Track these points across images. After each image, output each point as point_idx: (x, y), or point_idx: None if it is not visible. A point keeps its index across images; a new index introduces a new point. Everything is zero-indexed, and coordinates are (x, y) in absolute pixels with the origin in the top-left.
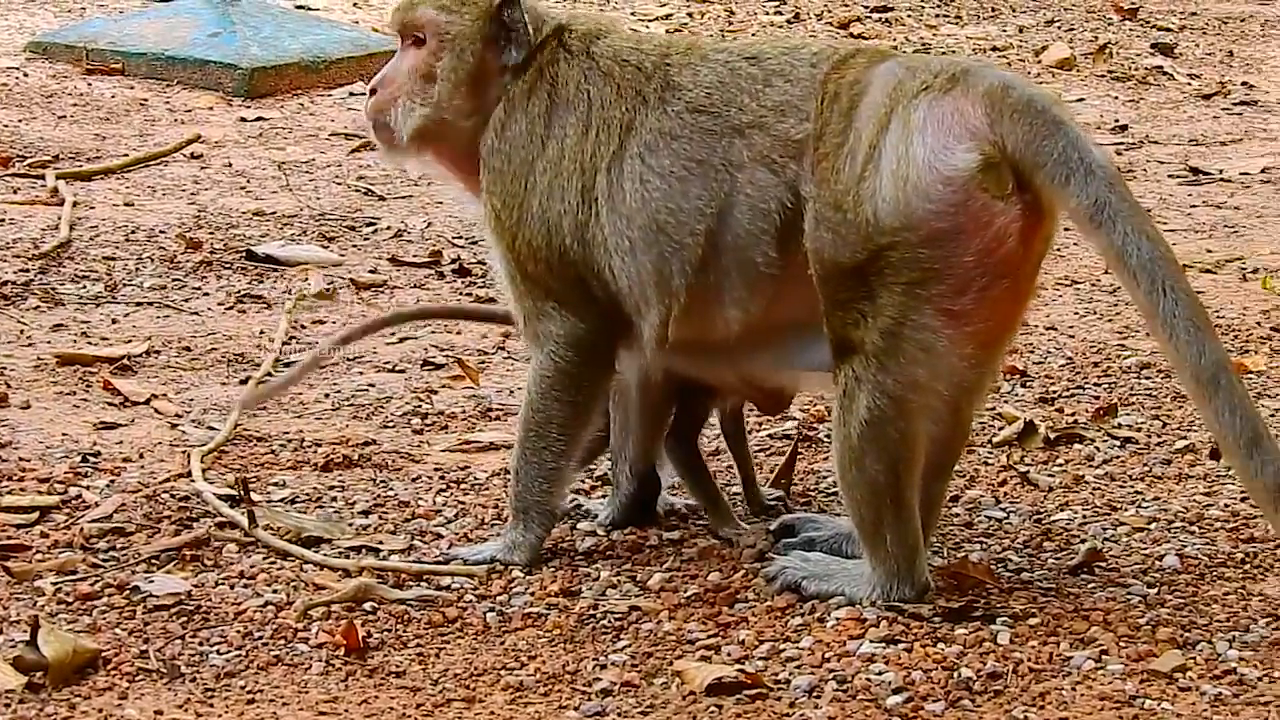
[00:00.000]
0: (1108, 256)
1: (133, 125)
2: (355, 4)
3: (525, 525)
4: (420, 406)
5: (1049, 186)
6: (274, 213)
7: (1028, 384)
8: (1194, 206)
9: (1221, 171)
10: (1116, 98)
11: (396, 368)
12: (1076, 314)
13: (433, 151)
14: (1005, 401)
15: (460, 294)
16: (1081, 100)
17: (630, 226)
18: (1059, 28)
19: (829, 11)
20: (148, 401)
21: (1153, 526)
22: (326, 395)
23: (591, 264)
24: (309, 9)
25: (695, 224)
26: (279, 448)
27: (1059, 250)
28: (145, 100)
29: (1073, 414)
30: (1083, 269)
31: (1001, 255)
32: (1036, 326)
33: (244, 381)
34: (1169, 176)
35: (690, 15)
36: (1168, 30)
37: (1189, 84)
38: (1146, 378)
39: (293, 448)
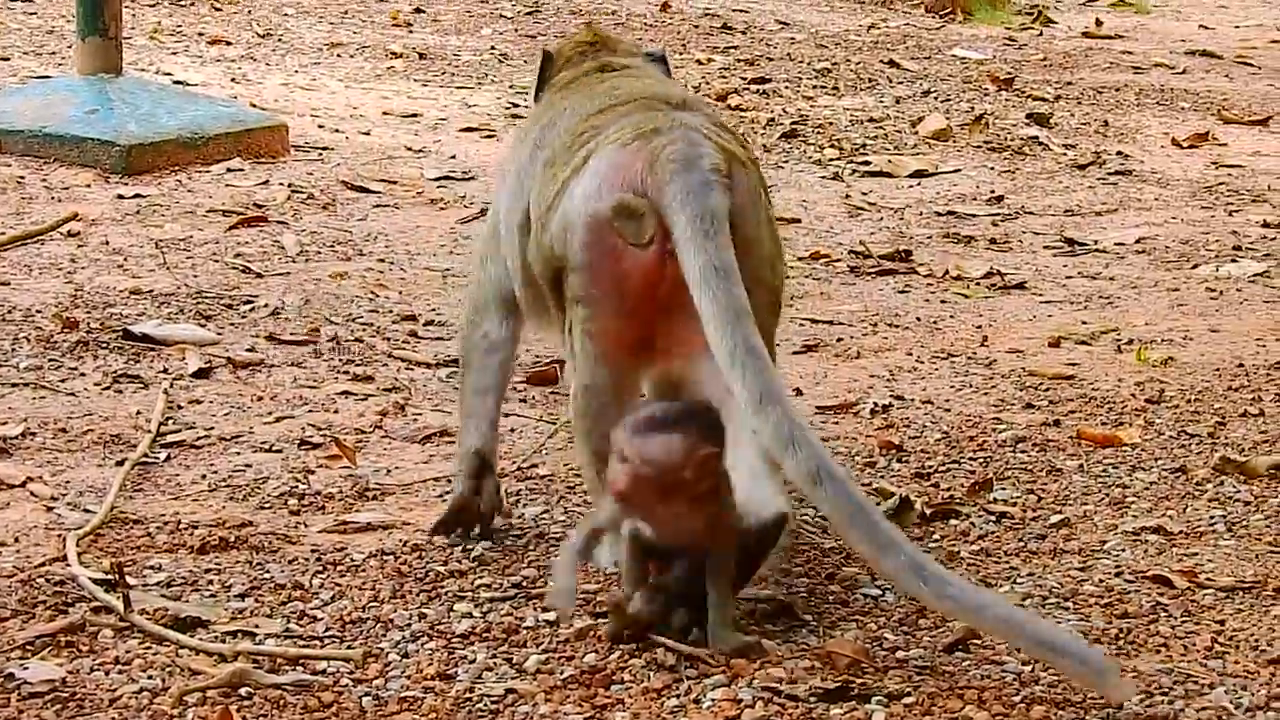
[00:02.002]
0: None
1: (9, 204)
2: (233, 79)
3: None
4: (297, 487)
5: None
6: (151, 291)
7: (904, 459)
8: (1069, 278)
9: (1096, 242)
10: (993, 168)
11: (273, 447)
12: (952, 387)
13: None
14: (881, 477)
15: (338, 372)
16: (958, 171)
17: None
18: (935, 98)
19: (707, 84)
20: (23, 484)
21: (1027, 603)
22: (203, 476)
23: None
24: (187, 84)
25: (514, 232)
26: (155, 530)
27: (935, 323)
28: (22, 178)
29: (948, 489)
30: (959, 341)
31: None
32: (913, 400)
33: (120, 463)
34: (1045, 248)
35: None
36: (1043, 100)
37: (1064, 154)
38: (1021, 451)
39: (169, 530)
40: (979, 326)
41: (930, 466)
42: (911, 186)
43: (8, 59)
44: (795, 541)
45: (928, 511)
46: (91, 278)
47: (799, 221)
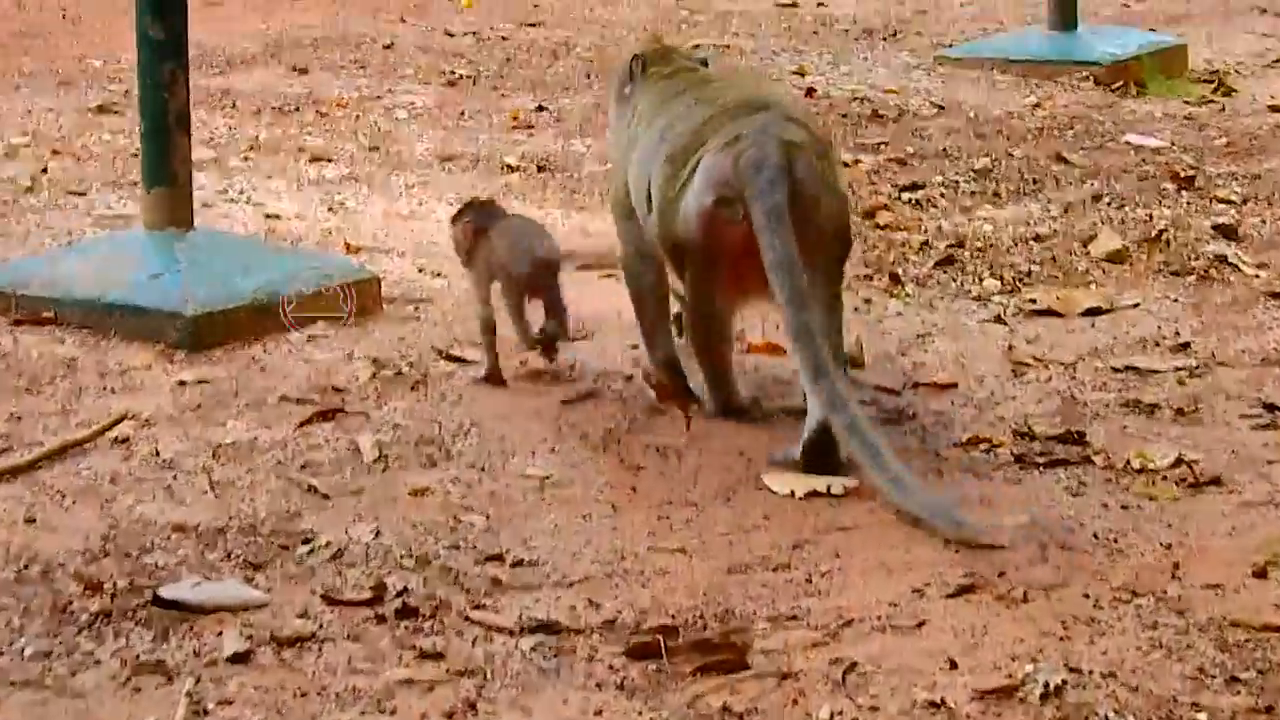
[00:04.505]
0: None
1: (56, 397)
2: (330, 209)
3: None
4: None
5: None
6: (197, 527)
7: None
8: (1271, 462)
9: None
10: (1176, 300)
11: None
12: (1139, 649)
13: None
14: None
15: (403, 646)
16: (1137, 306)
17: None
18: (1109, 203)
19: (854, 193)
20: None
21: None
22: None
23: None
24: (278, 218)
25: (643, 188)
26: None
27: (1116, 541)
28: (74, 360)
29: None
30: (1145, 571)
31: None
32: (1091, 673)
33: None
34: (1241, 417)
35: None
36: (1229, 204)
37: (1257, 276)
38: None
39: None
40: (1169, 546)
41: None
42: (1084, 329)
43: (84, 193)
44: None
45: None
46: (131, 507)
47: (955, 387)
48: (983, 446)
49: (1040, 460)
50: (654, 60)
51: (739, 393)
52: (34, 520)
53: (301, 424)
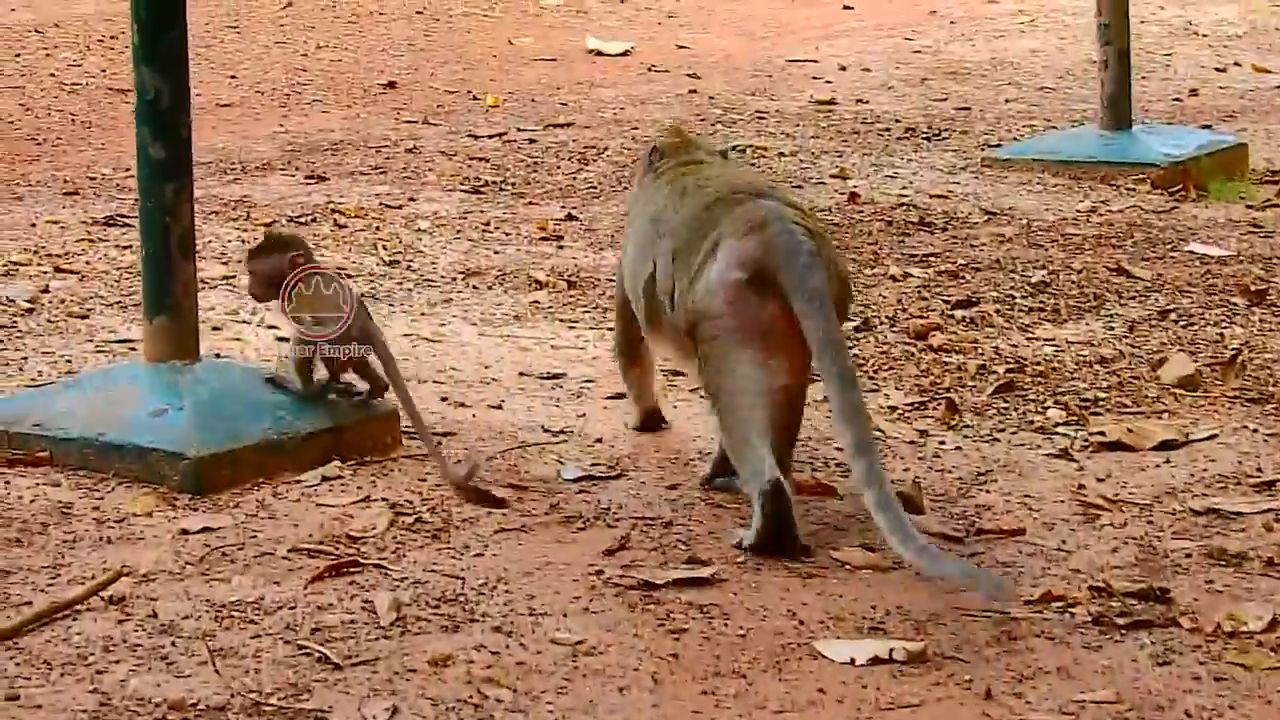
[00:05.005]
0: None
1: (47, 549)
2: None
3: None
4: None
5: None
6: (195, 704)
7: None
8: None
9: None
10: (1255, 430)
11: None
12: None
13: None
14: None
15: None
16: (1213, 438)
17: (629, 276)
18: (1176, 321)
19: (903, 310)
20: None
21: None
22: None
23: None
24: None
25: (639, 280)
26: None
27: None
28: (69, 507)
29: None
30: None
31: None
32: None
33: None
34: None
35: None
36: None
37: None
38: None
39: None
40: None
41: None
42: (1159, 465)
43: (86, 315)
44: None
45: None
46: (125, 680)
47: (1022, 533)
48: (1057, 605)
49: (1121, 622)
50: (670, 152)
51: (776, 470)
52: (17, 697)
53: (312, 580)
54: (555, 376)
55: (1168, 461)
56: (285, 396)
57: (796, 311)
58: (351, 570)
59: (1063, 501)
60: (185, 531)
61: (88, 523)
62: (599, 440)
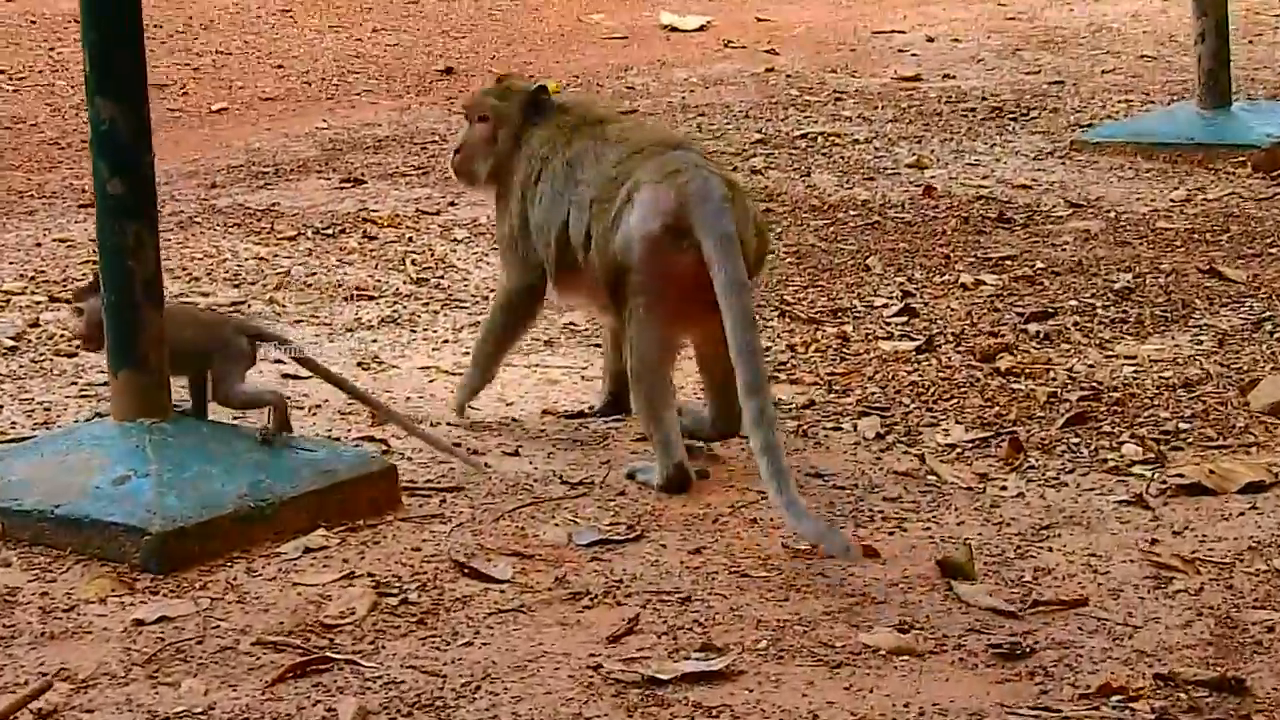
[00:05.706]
0: None
1: None
2: (360, 363)
3: None
4: None
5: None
6: None
7: None
8: None
9: None
10: None
11: None
12: None
13: (493, 183)
14: None
15: None
16: None
17: (540, 225)
18: (1272, 333)
19: (972, 324)
20: None
21: None
22: None
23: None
24: (295, 377)
25: (552, 230)
26: None
27: None
28: (15, 593)
29: None
30: None
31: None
32: None
33: None
34: None
35: (792, 348)
36: None
37: None
38: None
39: None
40: None
41: None
42: (1243, 513)
43: (74, 354)
44: None
45: None
46: None
47: (1085, 604)
48: (1116, 700)
49: (1193, 716)
50: (562, 105)
51: (687, 461)
52: None
53: (273, 682)
54: (579, 416)
55: (1253, 508)
56: (267, 455)
57: (705, 253)
58: (320, 668)
59: (1132, 561)
60: (139, 622)
61: (32, 612)
62: (621, 494)
